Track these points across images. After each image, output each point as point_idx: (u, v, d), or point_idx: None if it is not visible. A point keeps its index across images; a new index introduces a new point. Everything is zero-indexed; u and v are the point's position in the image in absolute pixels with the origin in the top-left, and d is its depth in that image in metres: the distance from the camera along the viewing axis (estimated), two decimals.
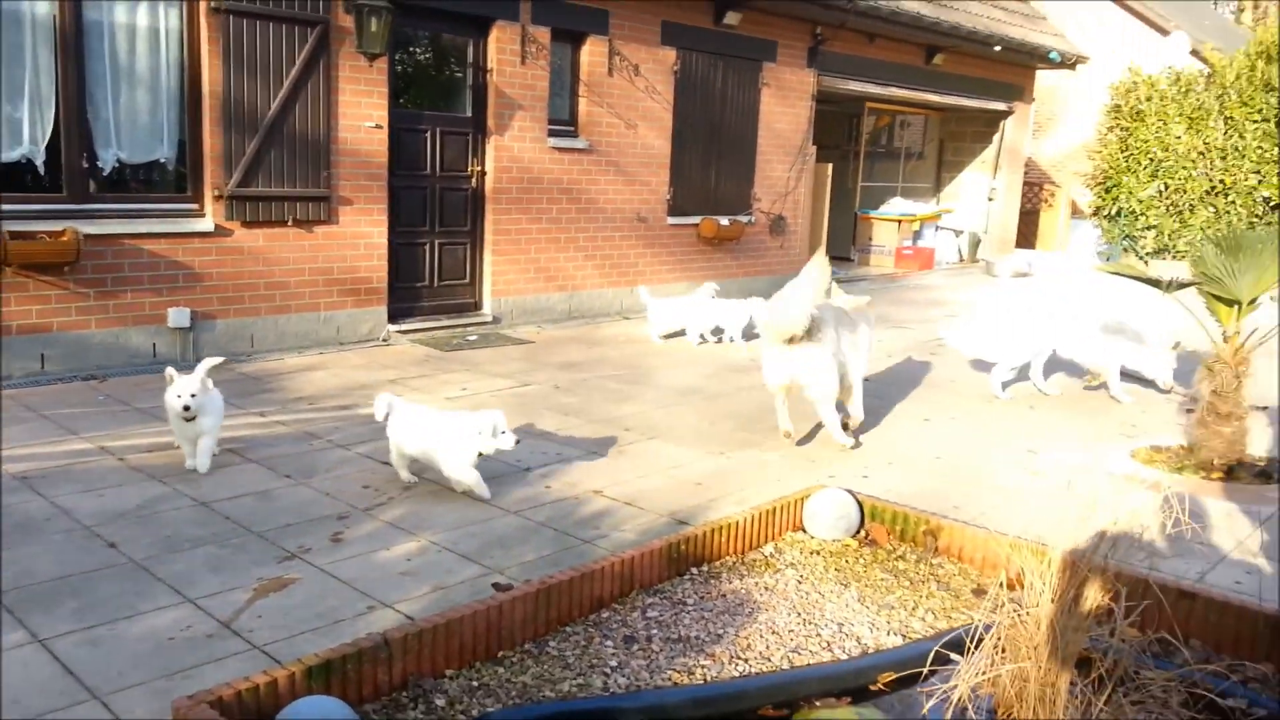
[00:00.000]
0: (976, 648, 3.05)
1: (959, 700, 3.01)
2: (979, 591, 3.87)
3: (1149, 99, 16.75)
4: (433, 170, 8.60)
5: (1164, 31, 18.98)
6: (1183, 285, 5.46)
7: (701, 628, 3.45)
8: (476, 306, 9.09)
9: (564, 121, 9.43)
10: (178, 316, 7.07)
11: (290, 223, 7.57)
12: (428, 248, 8.69)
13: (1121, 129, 17.09)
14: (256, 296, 7.51)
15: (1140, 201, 16.78)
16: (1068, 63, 14.98)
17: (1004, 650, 3.01)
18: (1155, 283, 5.57)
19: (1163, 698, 2.95)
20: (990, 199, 15.71)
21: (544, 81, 9.05)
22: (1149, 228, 16.84)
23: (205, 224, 7.16)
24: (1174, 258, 16.67)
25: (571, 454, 5.43)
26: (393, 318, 8.37)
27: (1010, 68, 14.79)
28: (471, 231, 8.94)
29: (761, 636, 3.41)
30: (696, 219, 10.64)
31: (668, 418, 6.24)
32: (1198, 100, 16.26)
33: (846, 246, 14.24)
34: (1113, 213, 17.12)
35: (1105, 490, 5.05)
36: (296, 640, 3.28)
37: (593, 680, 3.09)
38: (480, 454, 4.56)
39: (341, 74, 7.69)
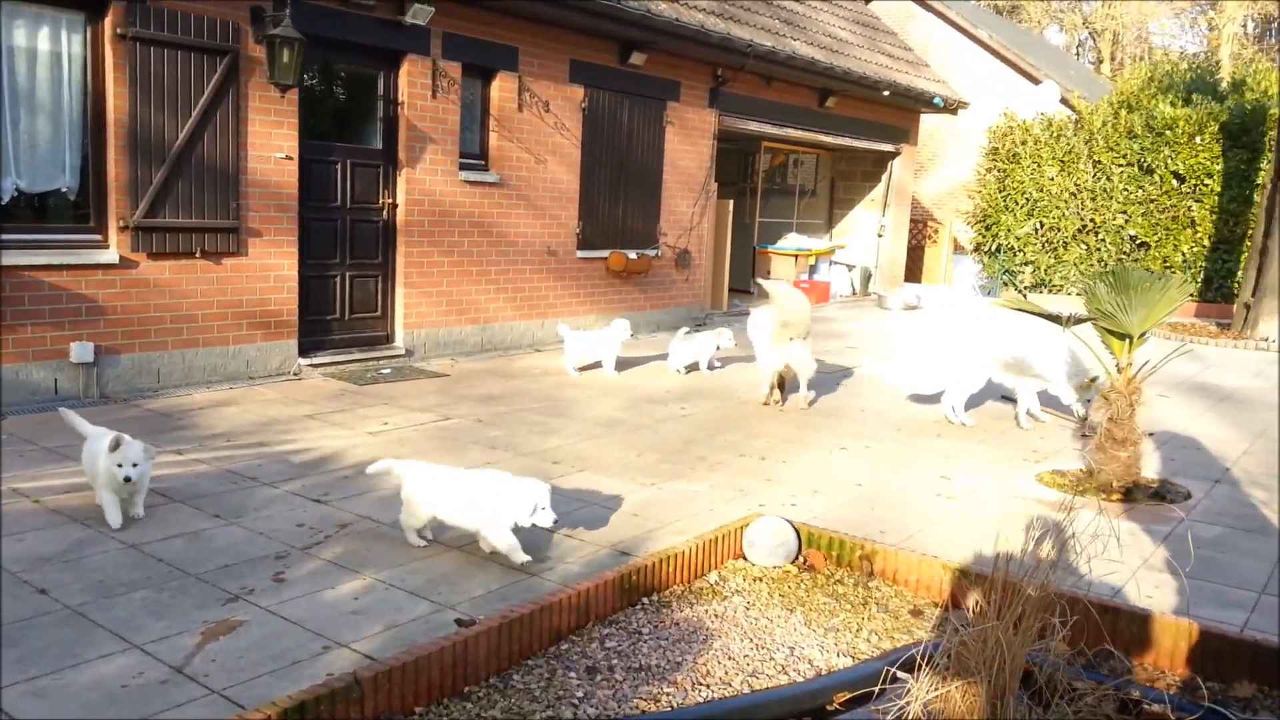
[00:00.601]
0: (926, 666, 3.22)
1: (913, 716, 3.16)
2: (916, 612, 4.05)
3: (1024, 142, 17.73)
4: (343, 202, 8.51)
5: (1035, 80, 20.09)
6: (1079, 320, 5.83)
7: (660, 656, 3.52)
8: (388, 339, 9.00)
9: (475, 155, 9.46)
10: (81, 351, 6.81)
11: (198, 254, 7.39)
12: (339, 280, 8.58)
13: (999, 170, 18.03)
14: (163, 330, 7.30)
15: (1018, 238, 17.69)
16: (950, 108, 15.73)
17: (954, 667, 3.17)
18: (1055, 318, 5.93)
19: (1095, 706, 3.15)
20: (880, 235, 16.32)
21: (455, 115, 9.07)
22: (1027, 263, 17.75)
23: (110, 255, 6.93)
24: (1050, 291, 17.61)
25: None
26: (303, 351, 8.22)
27: (897, 111, 15.45)
28: (383, 264, 8.87)
29: (719, 662, 3.50)
30: (605, 253, 10.78)
31: (594, 450, 6.31)
32: (1068, 144, 17.28)
33: (746, 280, 14.58)
34: (993, 249, 18.00)
35: (1017, 513, 5.35)
36: (255, 684, 3.22)
37: (561, 712, 3.13)
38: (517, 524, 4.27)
39: (251, 104, 7.58)
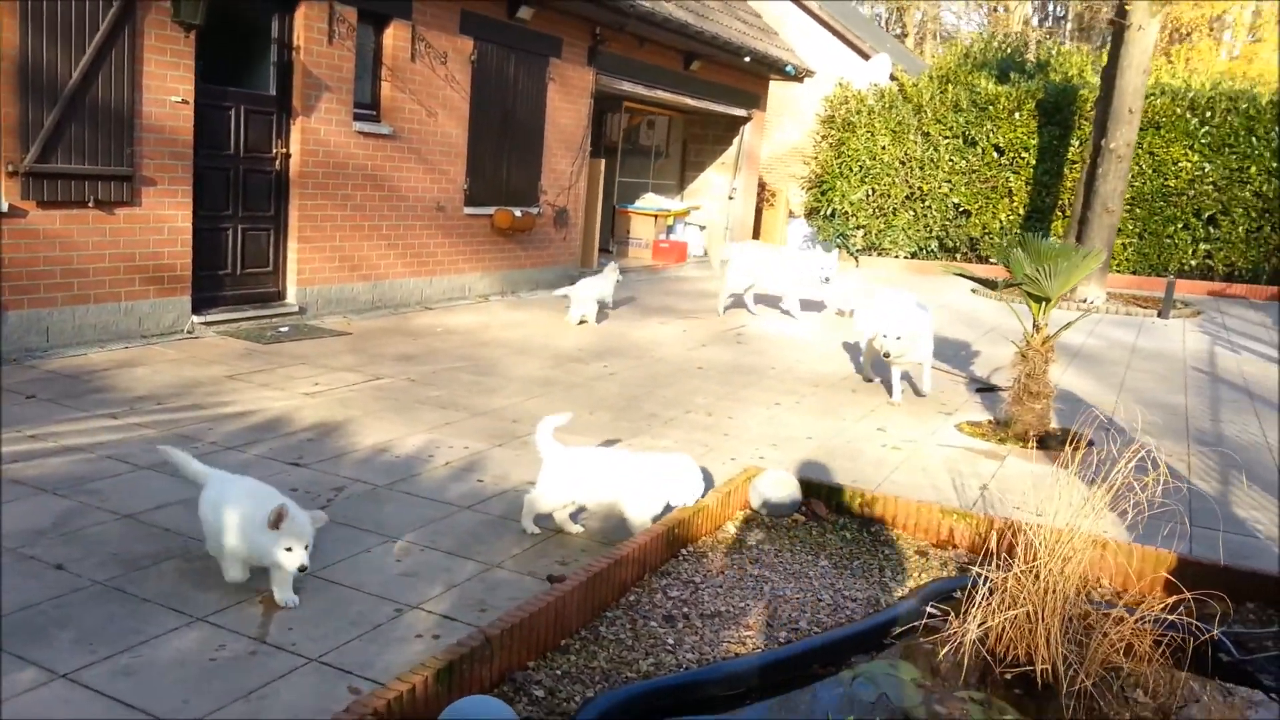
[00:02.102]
0: (971, 600, 3.52)
1: (970, 643, 3.46)
2: (921, 553, 4.37)
3: (859, 112, 18.60)
4: (236, 151, 8.04)
5: (865, 55, 21.02)
6: (1010, 285, 6.31)
7: (724, 602, 3.67)
8: (280, 296, 8.60)
9: (368, 106, 9.12)
10: None
11: (91, 204, 6.83)
12: (231, 233, 8.12)
13: (835, 138, 18.85)
14: (53, 285, 6.72)
15: (851, 204, 18.60)
16: (799, 76, 16.31)
17: (1005, 600, 3.48)
18: (990, 283, 6.39)
19: (1131, 637, 3.48)
20: (731, 198, 16.79)
21: (350, 63, 8.71)
22: (859, 227, 18.71)
23: None
24: (879, 254, 18.66)
25: (476, 446, 5.40)
26: (196, 308, 7.76)
27: (751, 78, 15.89)
28: (275, 217, 8.44)
29: (779, 605, 3.69)
30: (491, 210, 10.64)
31: (545, 408, 6.29)
32: (899, 116, 18.28)
33: (606, 239, 14.69)
34: (828, 213, 18.85)
35: (958, 460, 5.80)
36: (349, 649, 3.15)
37: (662, 659, 3.24)
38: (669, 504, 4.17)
39: (148, 43, 7.03)
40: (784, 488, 4.57)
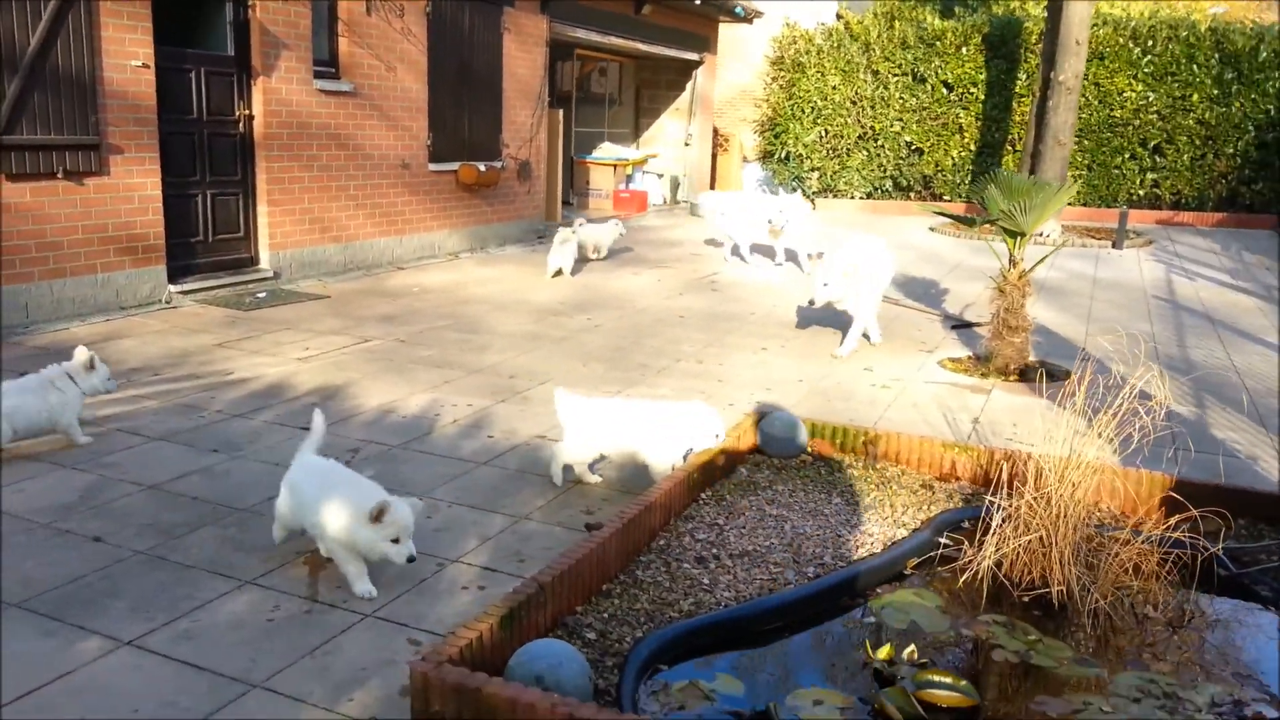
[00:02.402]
0: (984, 528, 3.70)
1: (987, 569, 3.64)
2: (926, 486, 4.54)
3: (808, 52, 18.62)
4: (200, 114, 7.91)
5: None
6: (989, 221, 6.47)
7: (750, 542, 3.81)
8: (253, 262, 8.52)
9: (326, 63, 8.98)
10: None
11: (60, 175, 6.70)
12: (200, 199, 8.01)
13: (785, 79, 18.87)
14: (29, 260, 6.61)
15: (805, 145, 18.69)
16: (748, 17, 16.26)
17: (1021, 526, 3.66)
18: (969, 220, 6.54)
19: (1139, 557, 3.67)
20: (687, 144, 16.79)
21: (307, 19, 8.56)
22: (814, 169, 18.82)
23: None
24: (835, 196, 18.81)
25: (480, 403, 5.47)
26: (171, 277, 7.67)
27: (700, 20, 15.82)
28: (243, 181, 8.33)
29: (803, 543, 3.83)
30: (455, 165, 10.57)
31: (539, 363, 6.39)
32: (848, 54, 18.32)
33: (566, 191, 14.65)
34: (782, 156, 18.92)
35: (946, 396, 5.98)
36: (400, 604, 3.24)
37: (702, 597, 3.37)
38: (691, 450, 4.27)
39: (104, 6, 6.86)
40: (790, 429, 4.71)
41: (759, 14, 16.57)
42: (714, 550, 3.72)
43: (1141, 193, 17.18)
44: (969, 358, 6.99)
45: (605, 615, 3.21)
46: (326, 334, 6.90)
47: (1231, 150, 16.90)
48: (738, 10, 15.53)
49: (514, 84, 11.43)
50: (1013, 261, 6.59)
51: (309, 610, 3.18)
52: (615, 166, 14.99)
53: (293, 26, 8.39)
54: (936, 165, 18.19)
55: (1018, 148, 17.68)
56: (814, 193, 18.77)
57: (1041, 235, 14.28)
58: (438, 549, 3.65)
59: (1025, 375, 6.52)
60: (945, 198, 18.28)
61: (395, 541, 3.16)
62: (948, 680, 2.97)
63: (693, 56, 15.96)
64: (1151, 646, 3.39)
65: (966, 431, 5.37)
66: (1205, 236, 15.51)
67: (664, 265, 10.65)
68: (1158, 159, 17.21)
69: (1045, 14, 15.19)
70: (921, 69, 17.93)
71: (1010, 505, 3.71)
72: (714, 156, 20.06)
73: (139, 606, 3.14)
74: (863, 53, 18.24)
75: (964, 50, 17.71)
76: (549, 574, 3.08)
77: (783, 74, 18.85)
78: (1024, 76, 17.48)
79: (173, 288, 7.62)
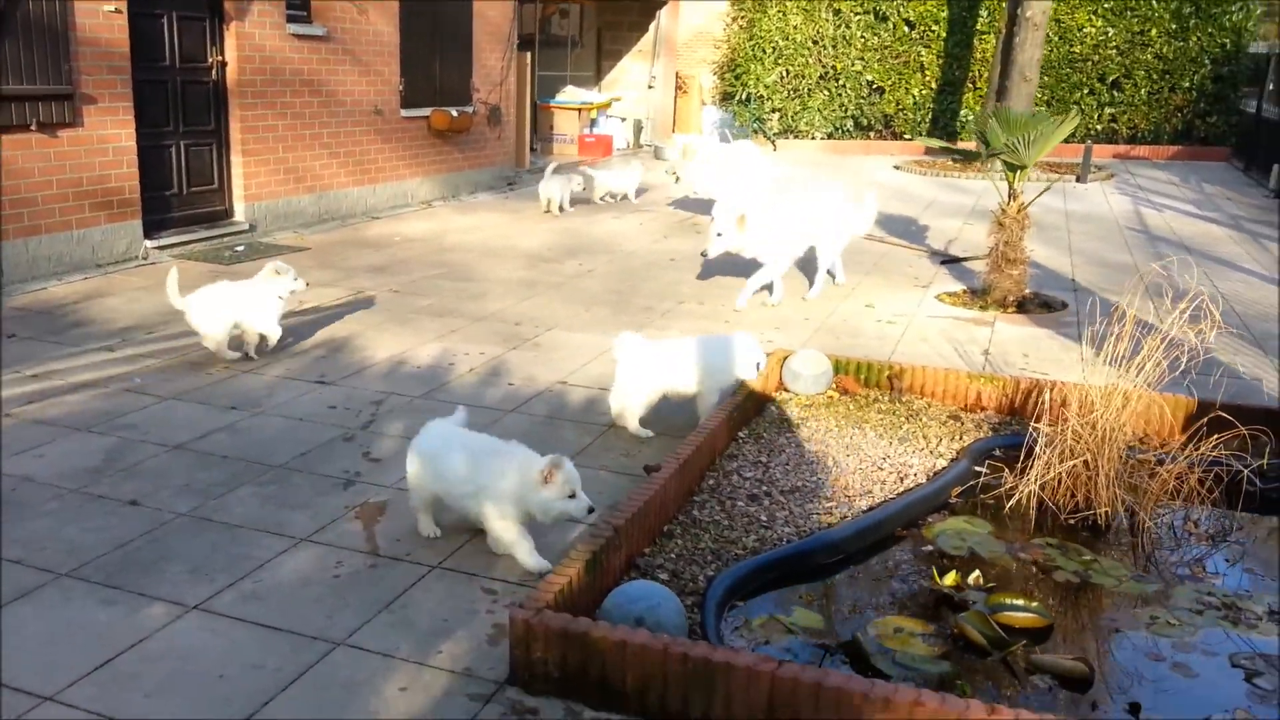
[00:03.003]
0: (1027, 455, 3.73)
1: (1032, 495, 3.67)
2: (953, 417, 4.55)
3: None
4: (172, 62, 7.60)
5: None
6: (992, 154, 6.47)
7: (797, 478, 3.81)
8: (228, 214, 8.26)
9: (298, 5, 8.66)
10: None
11: (33, 126, 6.41)
12: (174, 151, 7.72)
13: (746, 19, 18.64)
14: (3, 216, 6.34)
15: (766, 86, 18.52)
16: None
17: (1066, 451, 3.69)
18: (971, 154, 6.52)
19: (1181, 476, 3.70)
20: (651, 86, 16.56)
21: None
22: (775, 110, 18.69)
23: None
24: (797, 137, 18.73)
25: (492, 351, 5.38)
26: (146, 232, 7.41)
27: None
28: (216, 130, 8.05)
29: (848, 477, 3.84)
30: (427, 111, 10.31)
31: (541, 309, 6.29)
32: None
33: (531, 137, 14.38)
34: (743, 98, 18.75)
35: (951, 329, 6.01)
36: (461, 555, 3.19)
37: (764, 534, 3.36)
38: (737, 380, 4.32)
39: None
40: (817, 365, 4.70)
41: None
42: (764, 488, 3.71)
43: (1099, 127, 17.32)
44: (965, 291, 7.03)
45: (673, 555, 3.19)
46: (318, 286, 6.73)
47: (1188, 84, 17.08)
48: None
49: (484, 26, 11.15)
50: (1012, 195, 6.60)
51: (373, 565, 3.11)
52: (580, 111, 14.76)
53: None
54: (898, 104, 18.16)
55: (979, 85, 17.71)
56: (775, 134, 18.67)
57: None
58: None
59: (1023, 307, 6.57)
60: (906, 136, 18.28)
61: (571, 497, 3.00)
62: (1020, 602, 3.00)
63: None
64: (1199, 561, 3.46)
65: (979, 363, 5.40)
66: (1163, 169, 15.72)
67: (642, 209, 10.54)
68: (1115, 94, 17.36)
69: None
70: (883, 7, 17.81)
71: (1055, 432, 3.74)
72: (674, 100, 19.82)
73: (197, 569, 3.05)
74: None
75: None
76: (620, 517, 3.05)
77: (743, 14, 18.62)
78: (985, 14, 17.45)
79: (149, 243, 7.37)
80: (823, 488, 3.74)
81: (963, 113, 17.86)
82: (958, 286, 7.19)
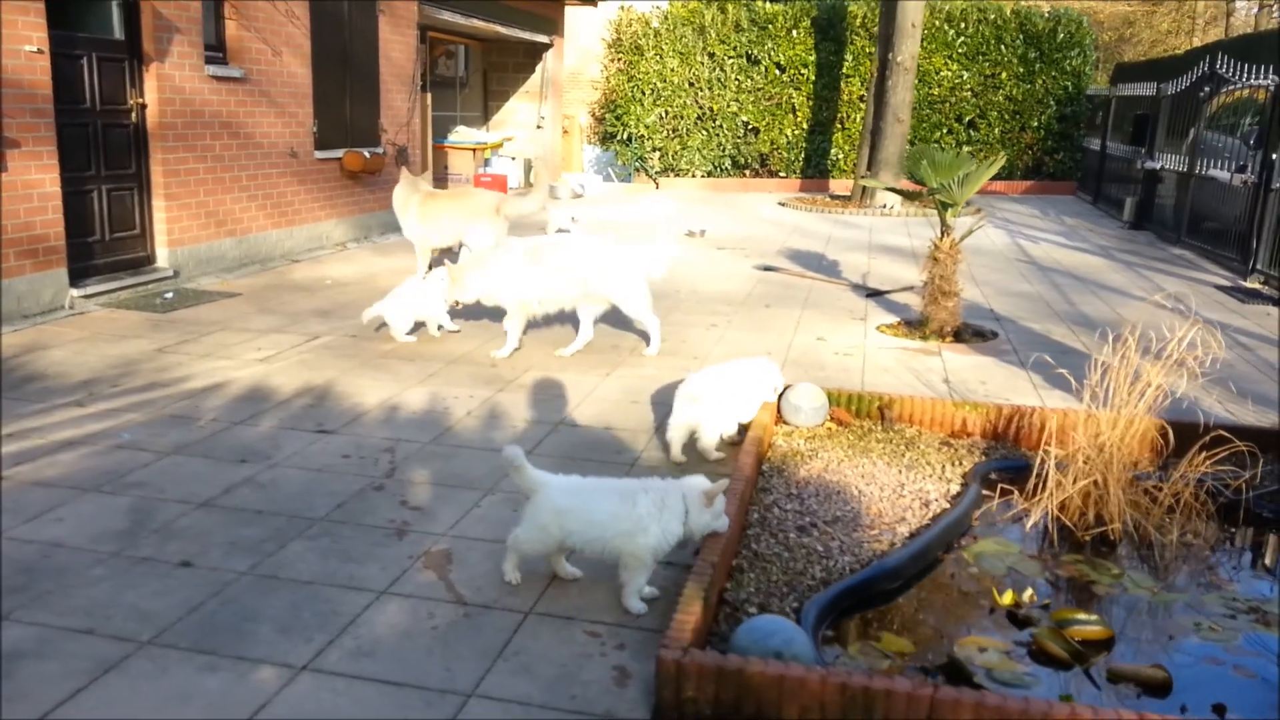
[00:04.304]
0: (1038, 477, 4.01)
1: (1051, 512, 3.96)
2: (945, 443, 4.83)
3: (645, 35, 18.83)
4: (93, 104, 7.28)
5: None
6: (932, 193, 6.86)
7: (833, 509, 3.98)
8: (150, 260, 7.93)
9: (215, 47, 8.44)
10: None
11: None
12: (96, 196, 7.39)
13: (625, 60, 19.03)
14: None
15: (647, 126, 18.93)
16: (594, 0, 16.30)
17: (1076, 472, 3.99)
18: (911, 195, 6.91)
19: (1180, 495, 4.05)
20: (540, 127, 16.69)
21: (197, 1, 8.02)
22: (655, 149, 19.11)
23: None
24: (677, 175, 19.18)
25: (479, 393, 5.38)
26: (71, 280, 7.05)
27: (549, 3, 15.73)
28: (137, 175, 7.74)
29: (878, 506, 4.04)
30: (339, 152, 10.16)
31: (518, 352, 6.27)
32: (683, 37, 18.65)
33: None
34: (624, 138, 19.10)
35: (904, 360, 6.34)
36: (550, 598, 3.21)
37: (830, 565, 3.51)
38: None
39: None
40: (816, 399, 4.90)
41: None
42: (807, 519, 3.86)
43: None
44: (900, 323, 7.41)
45: (752, 589, 3.30)
46: (268, 332, 6.56)
47: (1036, 124, 18.40)
48: None
49: (390, 68, 11.07)
50: (944, 231, 7.02)
51: (466, 614, 3.10)
52: (475, 150, 14.75)
53: (184, 9, 7.84)
54: (772, 143, 18.86)
55: (847, 125, 18.60)
56: (657, 172, 19.08)
57: (886, 207, 15.13)
58: None
59: (959, 336, 6.97)
60: (782, 175, 19.00)
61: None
62: (1082, 615, 3.24)
63: (543, 39, 15.88)
64: (1212, 570, 3.80)
65: (943, 391, 5.72)
66: (1020, 203, 16.85)
67: None
68: (972, 133, 18.52)
69: None
70: (755, 51, 18.51)
71: (1065, 454, 4.04)
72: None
73: (287, 628, 2.98)
74: (698, 35, 18.62)
75: (794, 33, 18.42)
76: (713, 554, 3.14)
77: (621, 56, 19.00)
78: (850, 58, 18.37)
79: (74, 292, 7.02)
80: (860, 517, 3.92)
81: (833, 151, 18.69)
82: (891, 318, 7.57)
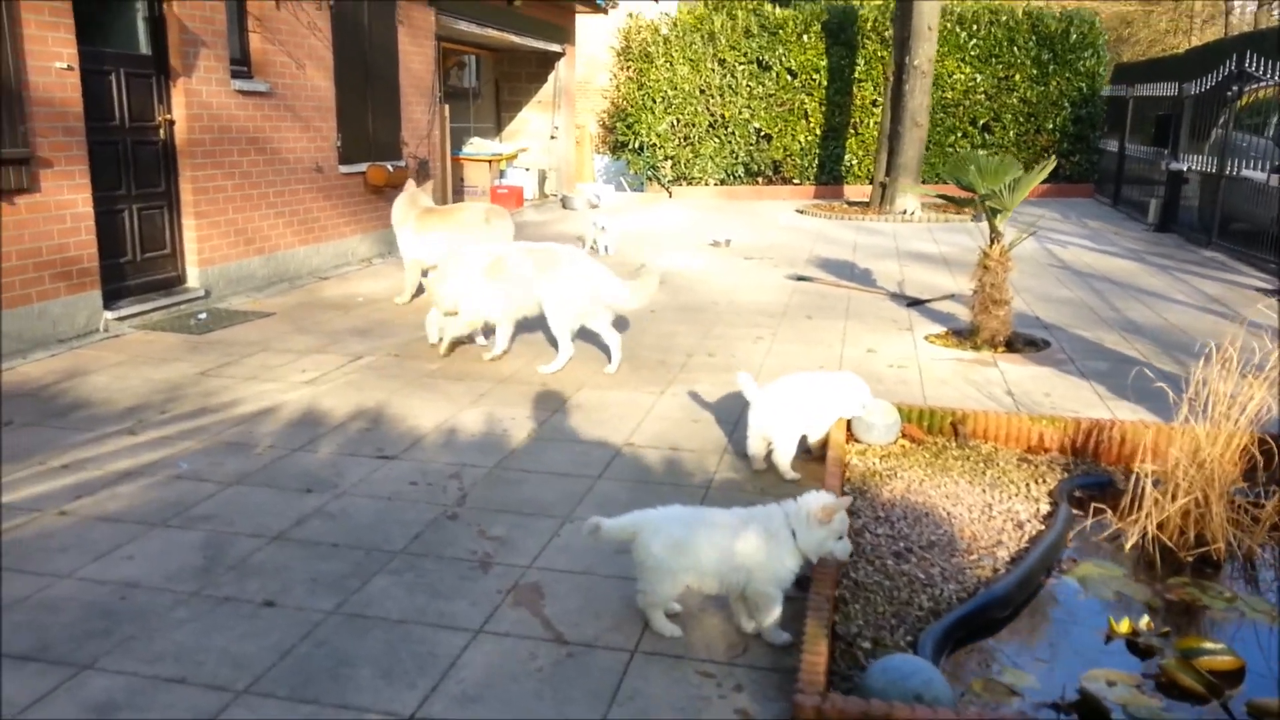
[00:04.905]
0: (1135, 496, 3.88)
1: (1151, 533, 3.82)
2: (1023, 459, 4.69)
3: (654, 43, 18.72)
4: (122, 121, 7.16)
5: None
6: (984, 199, 6.73)
7: (926, 533, 3.85)
8: (180, 280, 7.80)
9: (240, 61, 8.32)
10: None
11: None
12: (127, 215, 7.26)
13: (635, 69, 18.92)
14: None
15: (658, 135, 18.81)
16: (605, 8, 16.21)
17: (1175, 490, 3.86)
18: (963, 202, 6.79)
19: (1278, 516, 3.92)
20: (553, 137, 16.57)
21: (222, 14, 7.90)
22: (667, 158, 18.98)
23: None
24: (690, 184, 19.06)
25: (539, 414, 5.24)
26: (105, 302, 6.92)
27: (559, 11, 15.63)
28: (166, 192, 7.61)
29: (969, 527, 3.90)
30: (363, 166, 10.03)
31: (563, 370, 6.14)
32: (693, 44, 18.54)
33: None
34: (636, 146, 18.98)
35: (960, 371, 6.21)
36: (651, 636, 3.07)
37: (936, 593, 3.37)
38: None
39: (22, 3, 6.09)
40: (888, 415, 4.77)
41: (615, 4, 16.55)
42: (902, 544, 3.73)
43: None
44: (948, 332, 7.27)
45: (861, 622, 3.17)
46: (310, 353, 6.42)
47: (1051, 125, 18.29)
48: (599, 0, 15.45)
49: (410, 79, 10.95)
50: (994, 238, 6.90)
51: (570, 654, 2.97)
52: (490, 162, 14.62)
53: (209, 22, 7.72)
54: (785, 150, 18.74)
55: (860, 130, 18.49)
56: (669, 181, 18.97)
57: (906, 212, 15.02)
58: (629, 571, 3.47)
59: (1011, 345, 6.84)
60: (795, 181, 18.89)
61: (838, 539, 3.04)
62: (1208, 645, 3.11)
63: (555, 48, 15.77)
64: None
65: (1009, 404, 5.58)
66: (1040, 207, 16.70)
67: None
68: (987, 136, 18.40)
69: (895, 1, 15.83)
70: (766, 57, 18.40)
71: (1162, 471, 3.91)
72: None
73: (388, 673, 2.84)
74: (708, 42, 18.51)
75: (805, 38, 18.30)
76: (826, 585, 3.01)
77: (631, 64, 18.89)
78: (862, 63, 18.26)
79: (108, 314, 6.88)
80: (955, 540, 3.79)
81: (847, 157, 18.59)
82: (937, 328, 7.44)
